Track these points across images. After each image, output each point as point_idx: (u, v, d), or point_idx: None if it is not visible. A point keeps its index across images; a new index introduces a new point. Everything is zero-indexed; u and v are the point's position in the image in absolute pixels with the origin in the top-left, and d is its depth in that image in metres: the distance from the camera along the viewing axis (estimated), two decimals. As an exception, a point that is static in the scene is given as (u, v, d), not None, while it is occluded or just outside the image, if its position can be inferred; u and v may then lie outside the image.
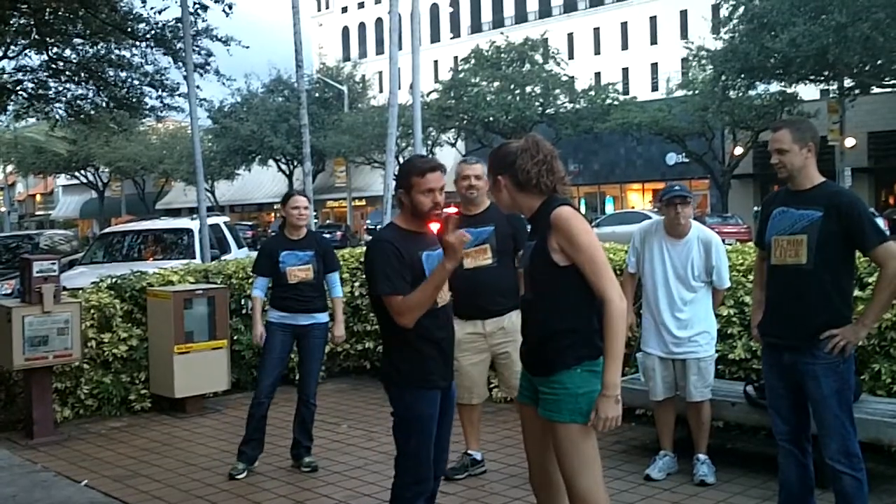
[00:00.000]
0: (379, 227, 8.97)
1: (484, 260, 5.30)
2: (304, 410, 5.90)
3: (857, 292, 4.98)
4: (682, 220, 5.28)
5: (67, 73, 18.38)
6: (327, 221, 46.80)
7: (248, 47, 18.08)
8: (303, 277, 5.78)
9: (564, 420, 3.35)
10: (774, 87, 33.05)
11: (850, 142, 33.29)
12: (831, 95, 33.94)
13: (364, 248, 5.26)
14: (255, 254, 7.08)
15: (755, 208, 34.28)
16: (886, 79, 29.79)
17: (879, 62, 27.81)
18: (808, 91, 34.89)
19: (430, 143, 40.46)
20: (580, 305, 3.37)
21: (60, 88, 18.87)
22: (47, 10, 16.11)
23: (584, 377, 3.34)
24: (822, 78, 31.53)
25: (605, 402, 3.28)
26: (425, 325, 3.72)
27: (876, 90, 32.64)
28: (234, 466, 5.72)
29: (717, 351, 5.85)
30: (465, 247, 5.23)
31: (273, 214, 58.30)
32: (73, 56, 18.30)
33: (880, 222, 23.56)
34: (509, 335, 5.34)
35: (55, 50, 17.88)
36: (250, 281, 8.30)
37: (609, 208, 44.40)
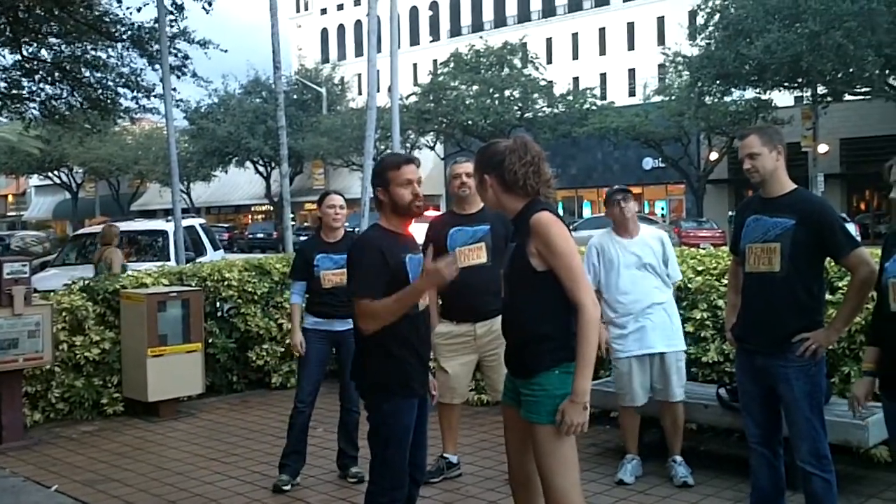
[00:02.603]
0: (357, 229, 8.93)
1: (478, 259, 5.26)
2: (347, 418, 5.66)
3: (827, 296, 5.03)
4: (627, 214, 5.40)
5: (41, 72, 18.19)
6: (305, 224, 46.65)
7: (226, 51, 17.92)
8: (337, 282, 5.48)
9: (543, 421, 3.37)
10: (749, 93, 33.36)
11: (822, 148, 33.64)
12: (805, 102, 34.31)
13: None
14: (231, 256, 7.00)
15: (730, 213, 34.56)
16: (858, 86, 30.15)
17: (851, 70, 28.12)
18: (782, 98, 35.24)
19: (408, 145, 40.44)
20: (557, 310, 3.37)
21: (34, 88, 18.67)
22: (20, 8, 15.95)
23: (563, 379, 3.34)
24: (796, 85, 31.87)
25: (572, 408, 3.29)
26: (404, 330, 3.70)
27: (848, 98, 33.03)
28: (279, 478, 5.48)
29: (690, 354, 5.91)
30: (460, 244, 5.26)
31: (249, 216, 58.11)
32: (48, 55, 18.12)
33: (852, 227, 23.87)
34: (499, 338, 5.31)
35: (29, 49, 17.70)
36: (225, 283, 8.32)
37: (587, 212, 44.58)
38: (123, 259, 10.66)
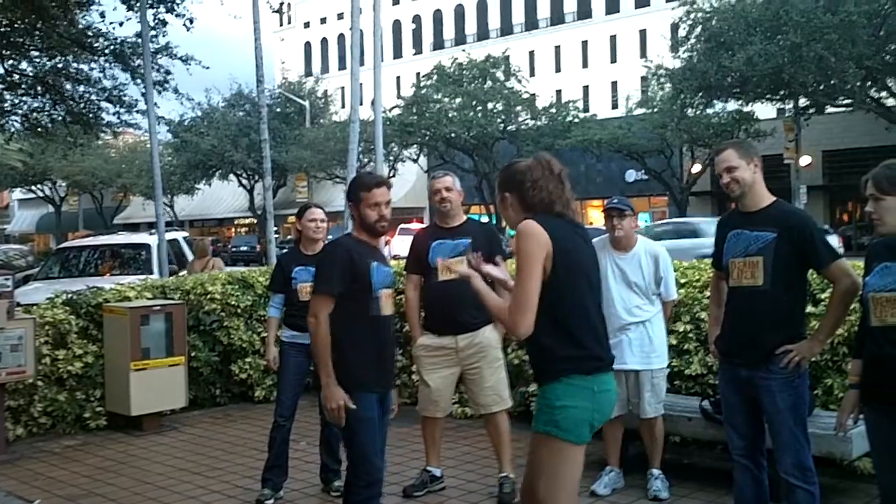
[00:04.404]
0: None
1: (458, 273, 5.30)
2: (327, 432, 5.64)
3: (809, 308, 5.07)
4: (616, 233, 5.38)
5: (24, 86, 18.13)
6: (288, 237, 46.52)
7: (208, 67, 17.93)
8: None
9: (538, 429, 3.36)
10: (731, 105, 33.58)
11: (805, 160, 33.88)
12: (787, 114, 34.56)
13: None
14: (215, 270, 6.98)
15: (713, 225, 34.70)
16: (839, 98, 30.40)
17: (833, 82, 28.38)
18: (764, 110, 35.49)
19: (391, 158, 40.47)
20: (555, 322, 3.30)
21: (16, 101, 18.60)
22: (3, 22, 15.90)
23: (565, 390, 3.30)
24: (778, 97, 32.11)
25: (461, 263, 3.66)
26: (361, 333, 3.97)
27: (830, 109, 33.30)
28: (261, 492, 5.47)
29: (673, 366, 5.92)
30: (441, 257, 5.31)
31: (233, 229, 57.95)
32: (30, 69, 18.06)
33: (835, 239, 24.02)
34: (482, 351, 5.34)
35: (10, 62, 17.63)
36: (208, 296, 8.29)
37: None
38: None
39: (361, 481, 3.93)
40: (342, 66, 64.46)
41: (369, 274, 4.02)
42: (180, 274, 10.68)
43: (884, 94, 29.94)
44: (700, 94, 31.27)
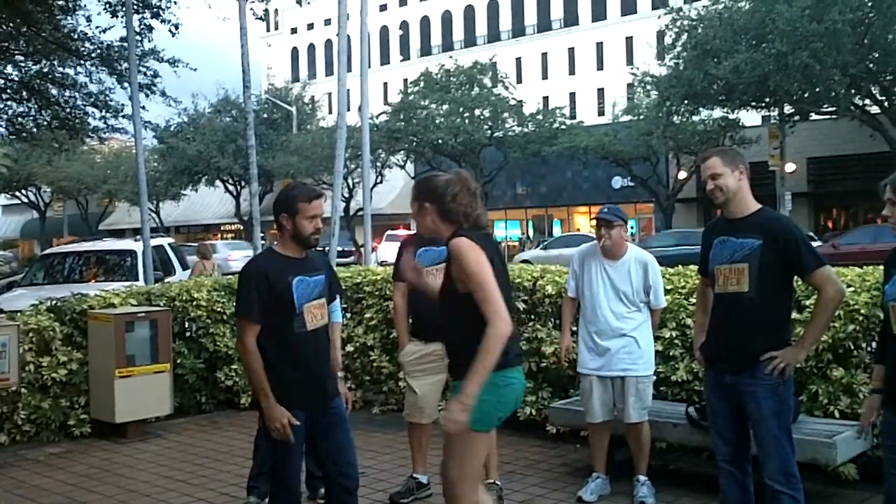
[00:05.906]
0: (327, 248, 8.93)
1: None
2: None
3: (794, 315, 5.08)
4: (604, 242, 5.41)
5: (8, 90, 18.03)
6: (274, 243, 46.36)
7: (195, 69, 17.86)
8: None
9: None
10: (717, 112, 33.71)
11: (790, 167, 34.02)
12: (772, 121, 34.72)
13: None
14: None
15: (699, 231, 34.81)
16: (824, 106, 30.55)
17: (818, 90, 28.50)
18: (749, 117, 35.64)
19: (379, 164, 40.43)
20: (478, 327, 3.50)
21: (1, 106, 18.49)
22: (-13, 26, 15.82)
23: (483, 387, 3.51)
24: (764, 104, 32.22)
25: (452, 404, 3.49)
26: (284, 352, 3.96)
27: (815, 117, 33.48)
28: (247, 500, 5.46)
29: (659, 373, 5.93)
30: (427, 263, 5.33)
31: (219, 235, 57.75)
32: (15, 73, 17.96)
33: (819, 246, 24.15)
34: None
35: (-7, 66, 17.54)
36: (194, 303, 8.25)
37: (556, 230, 44.75)
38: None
39: (281, 498, 4.03)
40: (329, 72, 64.47)
41: (289, 292, 3.98)
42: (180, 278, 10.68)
43: (868, 101, 30.11)
44: (686, 101, 31.35)
